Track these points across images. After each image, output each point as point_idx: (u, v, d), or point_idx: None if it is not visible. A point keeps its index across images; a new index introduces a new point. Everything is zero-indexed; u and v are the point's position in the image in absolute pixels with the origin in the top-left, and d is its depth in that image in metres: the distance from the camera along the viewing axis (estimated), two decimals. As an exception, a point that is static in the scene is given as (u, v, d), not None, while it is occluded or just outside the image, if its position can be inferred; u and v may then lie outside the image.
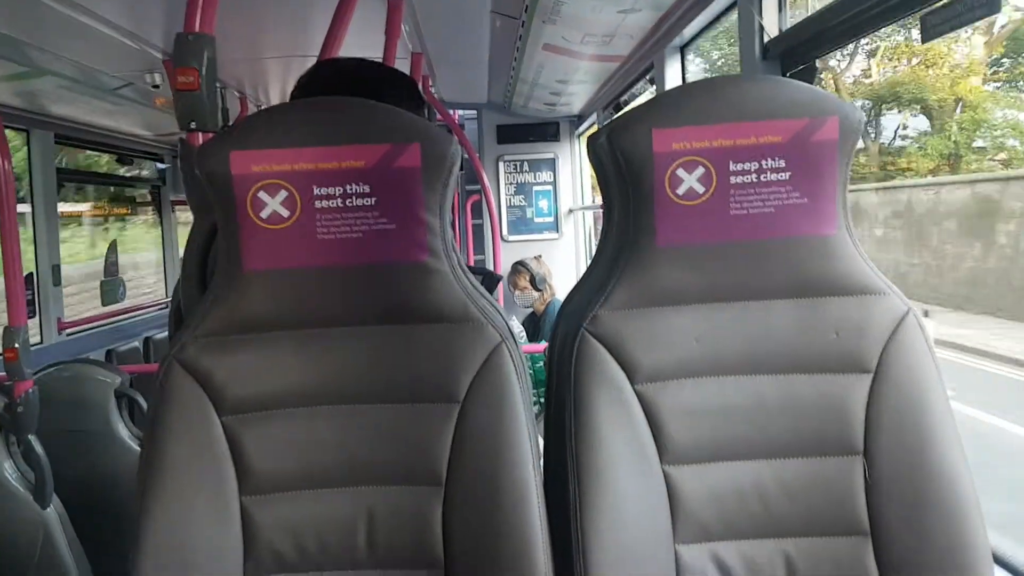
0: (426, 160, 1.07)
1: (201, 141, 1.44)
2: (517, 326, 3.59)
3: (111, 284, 4.83)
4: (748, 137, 1.09)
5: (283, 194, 1.06)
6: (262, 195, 1.06)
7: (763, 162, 1.09)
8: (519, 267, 4.61)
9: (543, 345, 3.04)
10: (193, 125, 1.31)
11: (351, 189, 1.07)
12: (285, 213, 1.07)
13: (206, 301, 1.10)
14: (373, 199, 1.07)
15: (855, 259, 1.12)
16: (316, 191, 1.07)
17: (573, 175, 5.42)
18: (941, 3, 1.31)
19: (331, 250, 1.08)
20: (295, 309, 1.09)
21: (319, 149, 1.06)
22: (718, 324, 1.12)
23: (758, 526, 1.11)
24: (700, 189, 1.10)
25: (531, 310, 4.63)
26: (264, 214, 1.07)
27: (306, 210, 1.07)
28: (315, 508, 1.10)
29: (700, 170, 1.09)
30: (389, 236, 1.08)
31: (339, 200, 1.07)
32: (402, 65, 2.84)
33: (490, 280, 1.55)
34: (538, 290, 4.54)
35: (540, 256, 4.85)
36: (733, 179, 1.09)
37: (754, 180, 1.09)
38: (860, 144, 1.18)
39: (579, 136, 5.39)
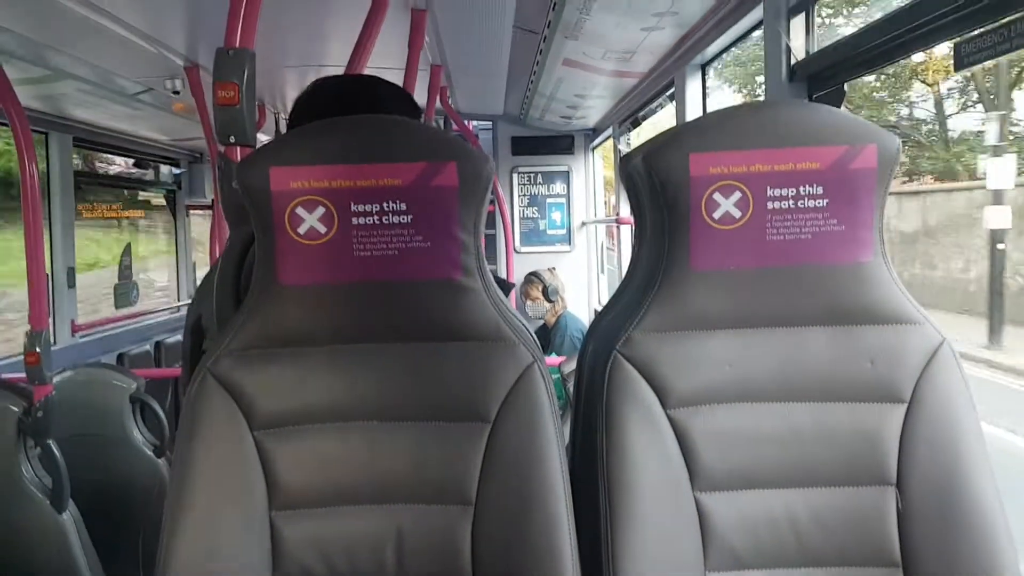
0: (463, 179, 1.07)
1: (239, 154, 1.45)
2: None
3: (124, 287, 4.85)
4: (786, 163, 1.09)
5: (321, 210, 1.07)
6: (300, 211, 1.06)
7: (801, 188, 1.09)
8: (532, 277, 4.62)
9: (557, 359, 3.03)
10: (232, 139, 1.32)
11: (388, 207, 1.07)
12: (322, 229, 1.07)
13: (241, 314, 1.11)
14: (409, 217, 1.07)
15: (891, 287, 1.12)
16: (353, 208, 1.07)
17: (587, 188, 5.42)
18: (976, 32, 1.31)
19: (367, 267, 1.08)
20: (329, 324, 1.10)
21: (357, 167, 1.06)
22: (752, 350, 1.12)
23: (789, 555, 1.10)
24: (737, 214, 1.10)
25: (542, 322, 4.63)
26: (302, 230, 1.07)
27: (343, 226, 1.07)
28: (344, 525, 1.10)
29: (737, 195, 1.09)
30: (424, 254, 1.08)
31: (376, 217, 1.07)
32: (422, 76, 2.85)
33: (503, 287, 1.54)
34: (550, 301, 4.54)
35: (554, 268, 4.85)
36: (770, 204, 1.09)
37: (791, 206, 1.09)
38: None
39: (593, 149, 5.40)
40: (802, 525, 1.10)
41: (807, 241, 1.10)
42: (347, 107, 1.14)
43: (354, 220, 1.07)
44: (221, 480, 1.08)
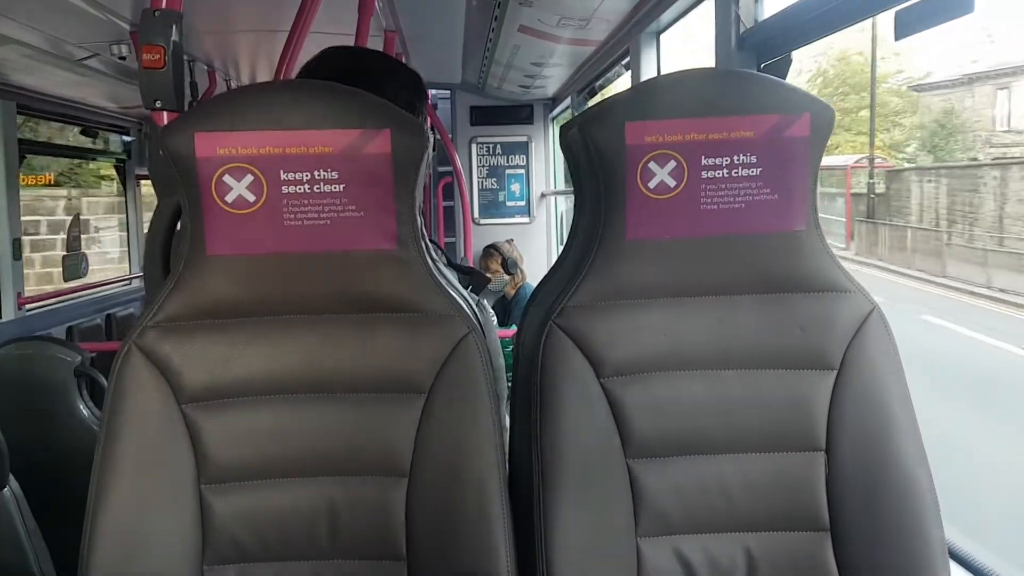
0: (396, 147, 1.05)
1: (167, 120, 1.41)
2: (491, 312, 3.58)
3: (73, 259, 4.74)
4: (720, 132, 1.08)
5: (249, 178, 1.04)
6: (227, 179, 1.04)
7: (735, 157, 1.09)
8: (491, 250, 4.60)
9: (513, 330, 3.03)
10: (159, 104, 1.28)
11: (319, 175, 1.05)
12: (251, 198, 1.05)
13: (168, 285, 1.08)
14: (341, 186, 1.05)
15: (823, 256, 1.12)
16: (283, 176, 1.05)
17: (546, 159, 5.40)
18: (915, 0, 1.31)
19: (298, 237, 1.06)
20: (259, 296, 1.07)
21: (287, 133, 1.04)
22: (685, 319, 1.12)
23: (720, 520, 1.11)
24: (671, 183, 1.09)
25: (501, 294, 4.62)
26: (229, 198, 1.04)
27: (272, 195, 1.05)
28: (277, 498, 1.08)
29: (672, 164, 1.09)
30: (357, 224, 1.06)
31: (307, 186, 1.05)
32: (375, 43, 2.81)
33: (479, 280, 1.53)
34: (509, 274, 4.52)
35: (512, 240, 4.84)
36: (704, 174, 1.09)
37: (725, 175, 1.09)
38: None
39: (553, 120, 5.37)
40: (733, 491, 1.11)
41: (740, 210, 1.10)
42: (348, 81, 1.11)
43: (284, 188, 1.05)
44: (147, 454, 1.06)
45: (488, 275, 4.56)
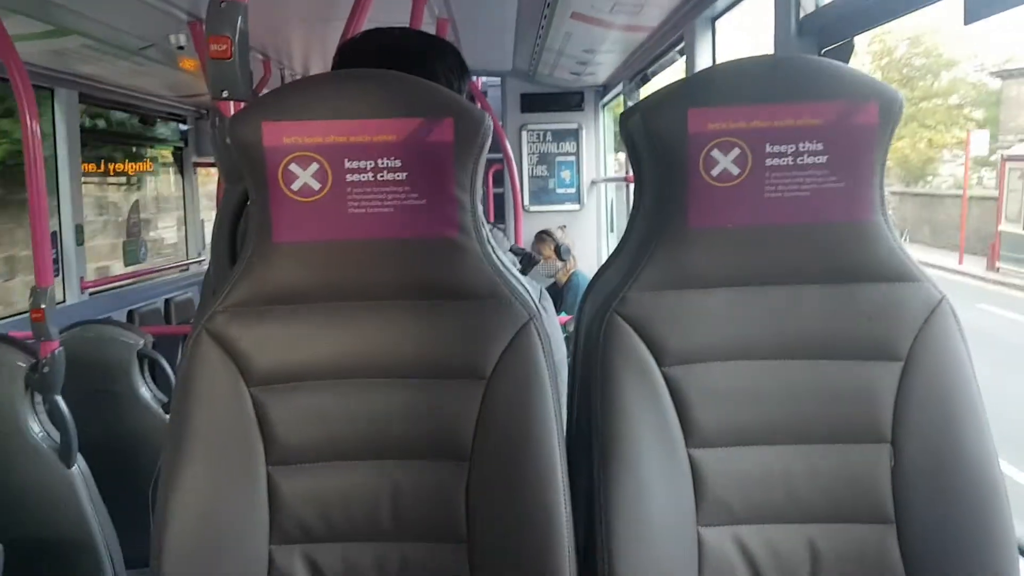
0: (458, 136, 1.06)
1: (233, 110, 1.44)
2: (547, 297, 3.56)
3: (133, 244, 4.86)
4: (785, 119, 1.07)
5: (314, 167, 1.06)
6: (293, 167, 1.05)
7: (800, 145, 1.07)
8: (544, 236, 4.56)
9: (564, 317, 3.03)
10: (225, 94, 1.31)
11: (382, 163, 1.06)
12: (316, 186, 1.06)
13: (236, 271, 1.10)
14: (404, 174, 1.06)
15: (890, 245, 1.10)
16: (347, 164, 1.06)
17: (597, 146, 5.36)
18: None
19: (361, 224, 1.07)
20: (324, 282, 1.09)
21: (351, 122, 1.05)
22: (748, 307, 1.11)
23: (782, 511, 1.11)
24: (735, 171, 1.08)
25: (552, 280, 4.61)
26: (295, 186, 1.06)
27: (337, 183, 1.06)
28: (341, 480, 1.10)
29: (736, 151, 1.08)
30: (419, 212, 1.07)
31: (370, 174, 1.06)
32: (427, 30, 2.81)
33: (528, 262, 1.54)
34: (562, 260, 4.50)
35: (565, 226, 4.80)
36: (769, 161, 1.08)
37: (790, 163, 1.08)
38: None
39: (604, 107, 5.33)
40: (796, 481, 1.10)
41: (806, 199, 1.08)
42: (391, 60, 1.12)
43: (348, 177, 1.06)
44: (217, 436, 1.08)
45: (540, 260, 4.54)
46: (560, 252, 4.48)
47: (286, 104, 1.06)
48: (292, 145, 1.05)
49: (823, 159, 1.07)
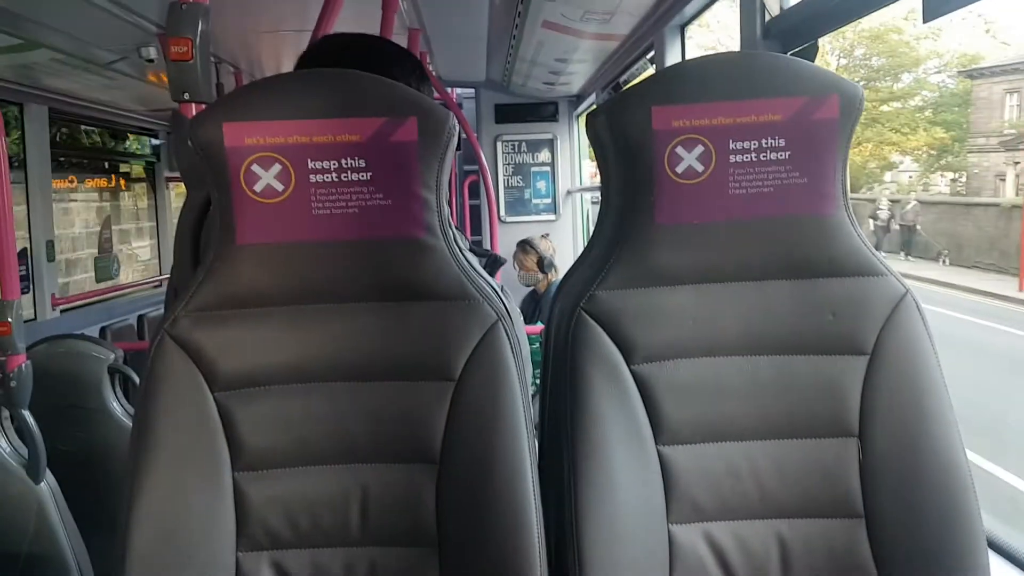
0: (423, 135, 1.06)
1: (195, 112, 1.43)
2: (509, 296, 3.54)
3: (105, 260, 4.81)
4: (748, 115, 1.08)
5: (277, 167, 1.05)
6: (256, 168, 1.05)
7: (763, 141, 1.08)
8: (527, 246, 4.49)
9: (540, 327, 3.02)
10: (186, 96, 1.29)
11: (346, 163, 1.05)
12: (279, 187, 1.05)
13: (199, 275, 1.09)
14: (368, 174, 1.06)
15: (853, 240, 1.11)
16: (311, 165, 1.05)
17: (572, 156, 5.38)
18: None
19: (326, 225, 1.07)
20: (289, 284, 1.08)
21: (314, 122, 1.04)
22: (715, 304, 1.11)
23: (752, 507, 1.11)
24: (699, 167, 1.09)
25: (532, 288, 4.59)
26: (258, 187, 1.05)
27: (300, 184, 1.05)
28: (308, 485, 1.09)
29: (699, 148, 1.08)
30: (385, 212, 1.07)
31: (334, 175, 1.05)
32: (399, 41, 2.81)
33: (494, 264, 1.54)
34: (544, 273, 4.46)
35: (547, 235, 4.77)
36: (732, 158, 1.08)
37: (754, 159, 1.08)
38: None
39: (578, 116, 5.35)
40: (765, 477, 1.10)
41: (769, 194, 1.09)
42: (348, 65, 1.11)
43: (311, 177, 1.05)
44: (182, 442, 1.07)
45: (522, 272, 4.51)
46: (543, 266, 4.44)
47: (247, 104, 1.06)
48: (254, 146, 1.04)
49: (786, 155, 1.08)
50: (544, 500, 1.08)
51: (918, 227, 14.21)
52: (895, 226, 14.79)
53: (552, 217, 5.38)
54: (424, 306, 1.09)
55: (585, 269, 1.20)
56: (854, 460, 1.10)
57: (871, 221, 14.71)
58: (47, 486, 2.23)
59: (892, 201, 15.63)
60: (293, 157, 1.05)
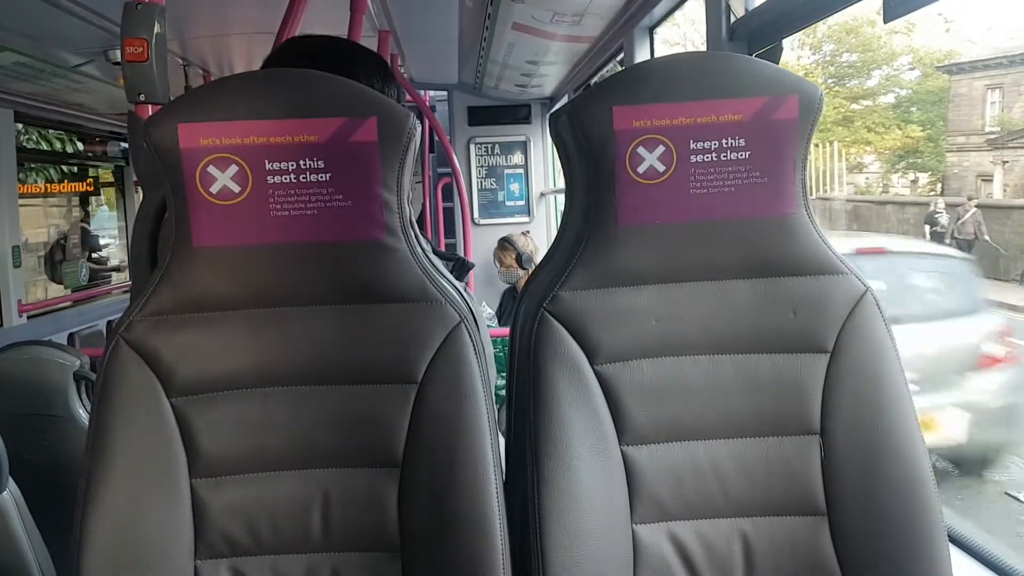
0: (383, 135, 1.05)
1: (151, 113, 1.41)
2: (487, 311, 3.53)
3: (72, 266, 4.75)
4: (708, 115, 1.08)
5: (233, 168, 1.03)
6: (212, 169, 1.03)
7: (723, 141, 1.08)
8: (506, 244, 4.49)
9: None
10: (142, 97, 1.28)
11: (304, 164, 1.04)
12: (236, 188, 1.04)
13: (154, 278, 1.07)
14: (327, 175, 1.05)
15: (814, 239, 1.11)
16: (268, 166, 1.04)
17: (545, 158, 5.38)
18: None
19: (284, 227, 1.05)
20: (247, 287, 1.07)
21: (271, 123, 1.03)
22: (677, 304, 1.11)
23: (715, 506, 1.11)
24: (661, 168, 1.08)
25: (513, 286, 4.57)
26: (214, 189, 1.04)
27: (258, 186, 1.04)
28: (268, 491, 1.08)
29: (661, 148, 1.08)
30: (344, 213, 1.06)
31: (292, 176, 1.04)
32: (368, 43, 2.79)
33: (462, 267, 1.53)
34: (524, 269, 4.43)
35: (528, 232, 4.75)
36: (693, 158, 1.08)
37: (714, 159, 1.08)
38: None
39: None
40: (727, 476, 1.10)
41: (730, 194, 1.09)
42: (311, 66, 1.10)
43: (269, 179, 1.04)
44: (138, 449, 1.05)
45: (502, 268, 4.49)
46: (522, 261, 4.43)
47: (203, 105, 1.04)
48: (209, 147, 1.03)
49: (746, 155, 1.08)
50: (508, 502, 1.07)
51: (986, 237, 11.82)
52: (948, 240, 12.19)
53: (526, 219, 5.37)
54: (385, 308, 1.08)
55: (549, 270, 1.20)
56: (816, 458, 1.10)
57: (927, 227, 12.90)
58: (10, 495, 2.19)
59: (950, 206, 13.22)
60: (250, 158, 1.03)
